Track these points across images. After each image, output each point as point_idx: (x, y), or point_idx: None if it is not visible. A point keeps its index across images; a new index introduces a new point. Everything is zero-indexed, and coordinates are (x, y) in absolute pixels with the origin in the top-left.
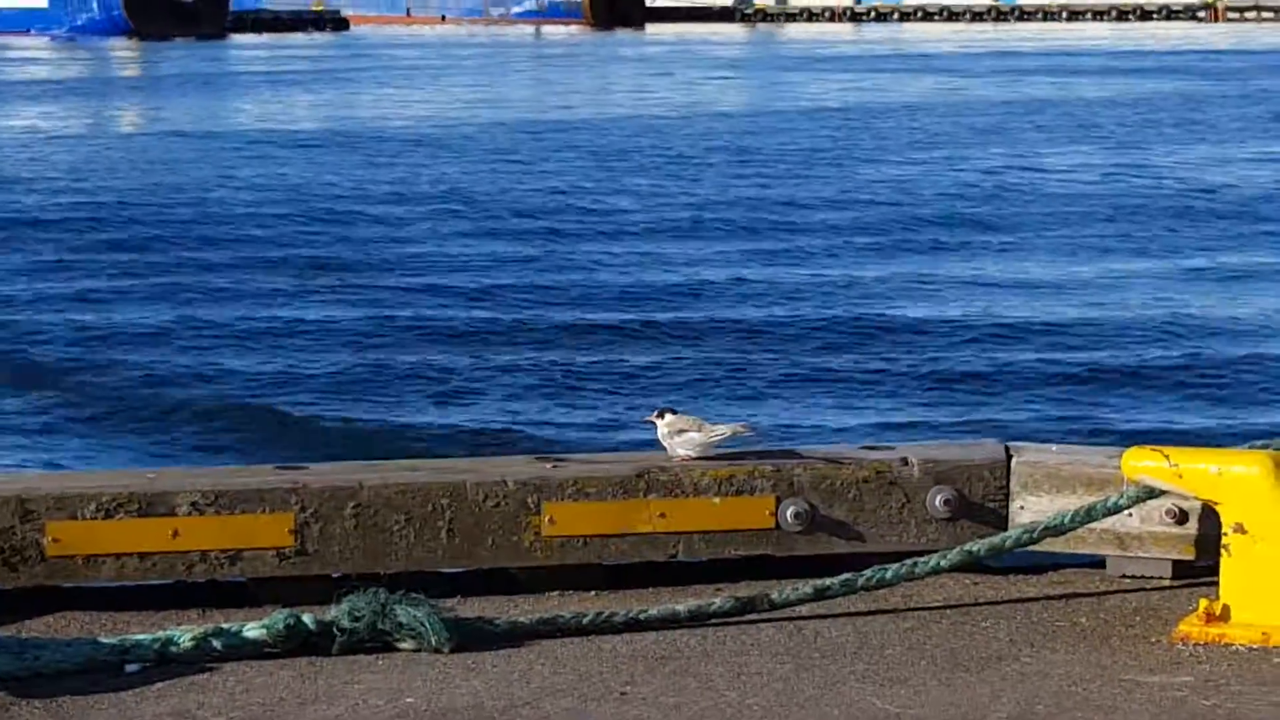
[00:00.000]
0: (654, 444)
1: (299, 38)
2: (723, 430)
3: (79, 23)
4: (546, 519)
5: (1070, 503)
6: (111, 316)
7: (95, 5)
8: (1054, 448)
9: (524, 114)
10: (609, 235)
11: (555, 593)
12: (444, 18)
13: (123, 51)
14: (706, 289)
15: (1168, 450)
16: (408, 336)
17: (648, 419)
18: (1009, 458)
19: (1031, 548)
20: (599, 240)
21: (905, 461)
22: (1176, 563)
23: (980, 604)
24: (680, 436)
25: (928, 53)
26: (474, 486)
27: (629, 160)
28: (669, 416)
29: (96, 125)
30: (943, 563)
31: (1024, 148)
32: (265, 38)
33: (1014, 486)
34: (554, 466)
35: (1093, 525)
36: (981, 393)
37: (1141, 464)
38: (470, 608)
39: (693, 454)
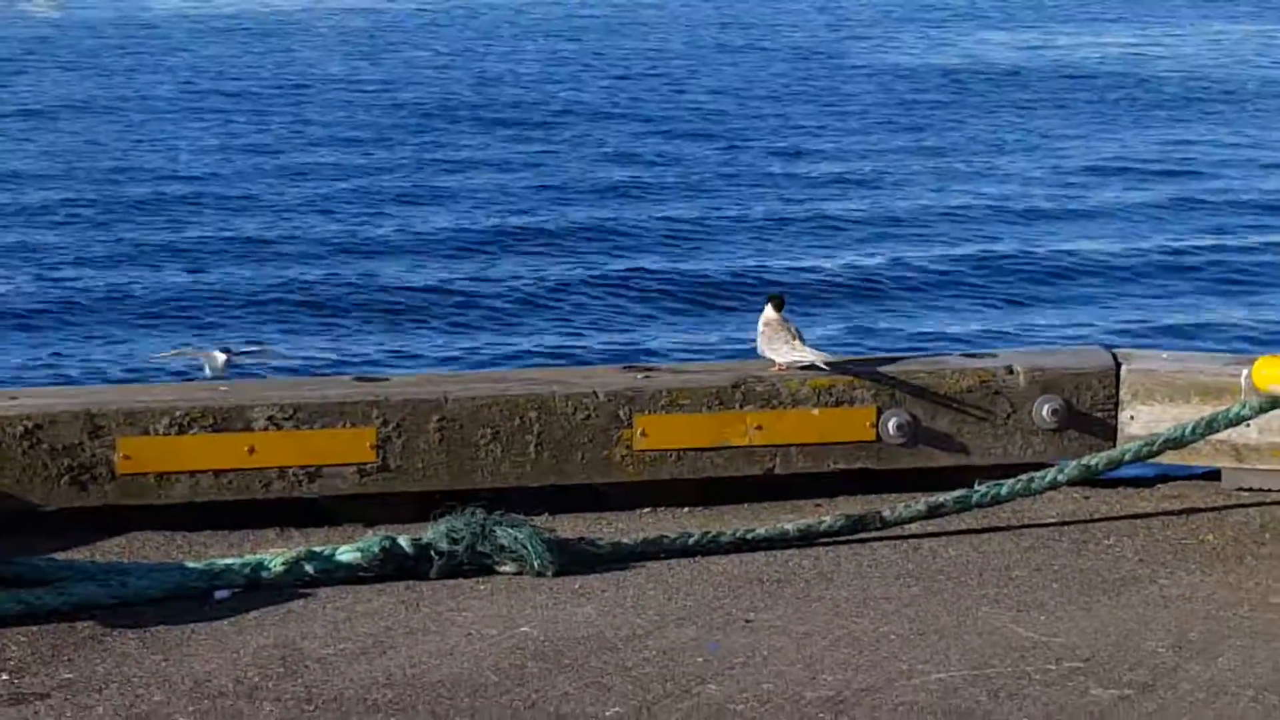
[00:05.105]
0: (747, 353)
1: None
2: (807, 356)
3: None
4: (639, 432)
5: (1184, 413)
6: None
7: None
8: (1164, 354)
9: None
10: (679, 133)
11: (647, 509)
12: None
13: None
14: (779, 182)
15: None
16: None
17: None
18: (1118, 365)
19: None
20: (670, 138)
21: (1010, 370)
22: None
23: (1096, 520)
24: (770, 343)
25: None
26: (563, 398)
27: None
28: (770, 311)
29: None
30: (1060, 477)
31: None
32: None
33: (1124, 395)
34: (645, 377)
35: (1209, 437)
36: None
37: (1277, 373)
38: (562, 525)
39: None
